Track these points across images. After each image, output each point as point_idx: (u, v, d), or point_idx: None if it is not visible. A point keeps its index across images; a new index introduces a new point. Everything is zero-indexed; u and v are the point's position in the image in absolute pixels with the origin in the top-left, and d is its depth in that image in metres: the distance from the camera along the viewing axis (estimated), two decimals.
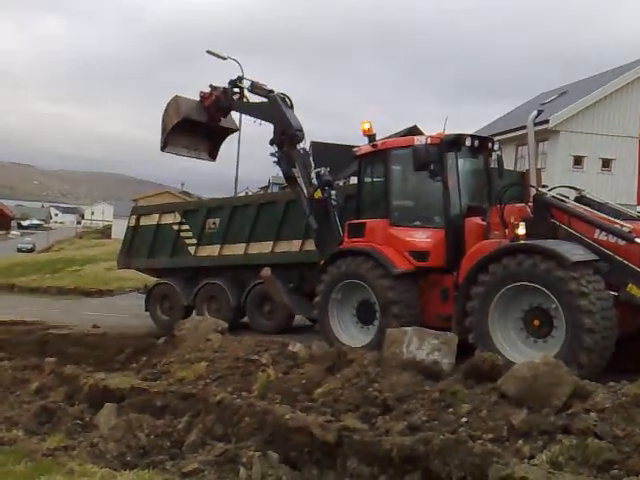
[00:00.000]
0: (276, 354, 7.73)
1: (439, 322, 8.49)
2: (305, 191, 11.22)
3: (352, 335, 9.42)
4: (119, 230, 40.98)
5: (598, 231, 7.82)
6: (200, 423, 6.08)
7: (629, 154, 28.85)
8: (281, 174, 12.18)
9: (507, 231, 8.29)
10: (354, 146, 10.65)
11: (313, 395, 6.48)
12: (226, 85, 12.45)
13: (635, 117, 26.00)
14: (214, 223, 13.85)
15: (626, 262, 7.54)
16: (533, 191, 8.54)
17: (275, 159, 11.71)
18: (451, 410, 5.46)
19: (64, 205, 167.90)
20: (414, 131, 31.69)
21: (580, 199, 8.52)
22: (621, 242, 7.63)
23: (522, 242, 7.83)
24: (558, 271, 7.28)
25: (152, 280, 15.54)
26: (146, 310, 14.91)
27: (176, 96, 12.71)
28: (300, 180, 11.36)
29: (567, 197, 8.52)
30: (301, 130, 11.60)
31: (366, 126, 10.05)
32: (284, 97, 11.91)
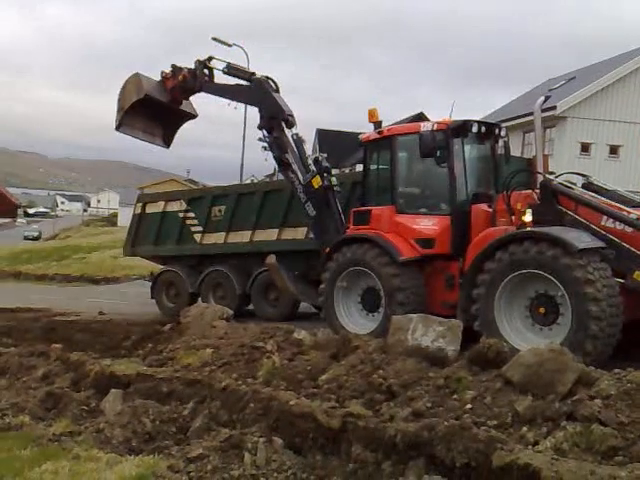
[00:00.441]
0: (281, 341, 7.73)
1: (444, 309, 8.48)
2: (300, 177, 11.13)
3: (357, 322, 9.43)
4: (125, 218, 41.06)
5: (605, 218, 7.77)
6: (205, 409, 6.10)
7: (637, 140, 28.70)
8: (272, 160, 11.99)
9: (514, 218, 8.25)
10: (360, 133, 10.59)
11: (318, 382, 6.49)
12: (191, 66, 12.19)
13: None
14: (219, 210, 13.86)
15: (633, 249, 7.50)
16: (540, 178, 8.49)
17: (264, 144, 11.58)
18: (455, 397, 5.46)
19: (70, 193, 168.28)
20: (420, 118, 31.57)
21: (587, 186, 8.46)
22: (628, 229, 7.58)
23: (529, 229, 7.80)
24: (564, 258, 7.24)
25: (158, 267, 15.60)
26: (152, 297, 14.98)
27: (136, 73, 12.38)
28: (294, 166, 11.26)
29: (574, 184, 8.47)
30: (292, 115, 11.45)
31: (372, 113, 9.99)
32: (269, 80, 11.73)
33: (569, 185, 8.35)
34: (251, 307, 13.53)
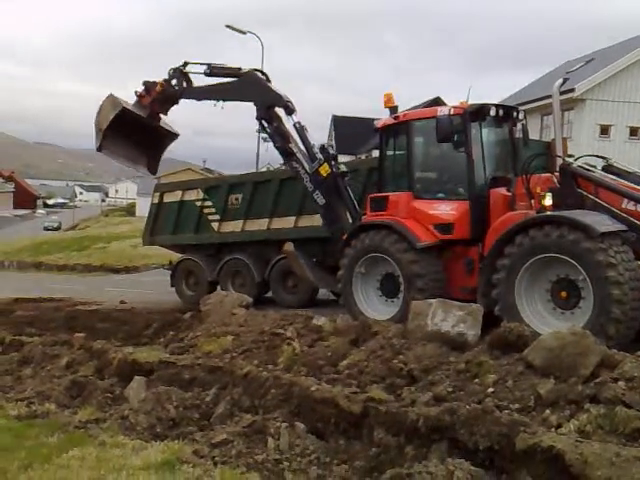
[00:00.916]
0: (301, 327, 7.76)
1: (464, 295, 8.45)
2: (306, 166, 11.02)
3: (376, 308, 9.42)
4: (143, 207, 41.30)
5: (626, 201, 7.70)
6: (228, 395, 6.15)
7: None
8: (273, 151, 11.76)
9: (533, 202, 8.18)
10: (377, 119, 10.53)
11: (338, 367, 6.52)
12: (165, 78, 11.81)
13: None
14: (236, 199, 13.89)
15: None
16: (559, 161, 8.41)
17: (265, 135, 11.39)
18: (477, 381, 5.45)
19: (88, 183, 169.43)
20: (437, 102, 31.34)
21: (607, 168, 8.37)
22: None
23: (549, 213, 7.74)
24: (585, 242, 7.18)
25: (177, 256, 15.70)
26: (172, 286, 15.09)
27: (111, 94, 11.98)
28: (299, 155, 11.14)
29: (594, 166, 8.38)
30: (290, 101, 11.23)
31: (388, 97, 9.92)
32: (258, 72, 11.53)
33: (589, 168, 8.26)
34: (270, 294, 13.59)
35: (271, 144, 11.75)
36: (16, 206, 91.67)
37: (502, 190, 8.93)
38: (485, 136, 9.39)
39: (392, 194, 9.62)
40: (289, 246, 11.75)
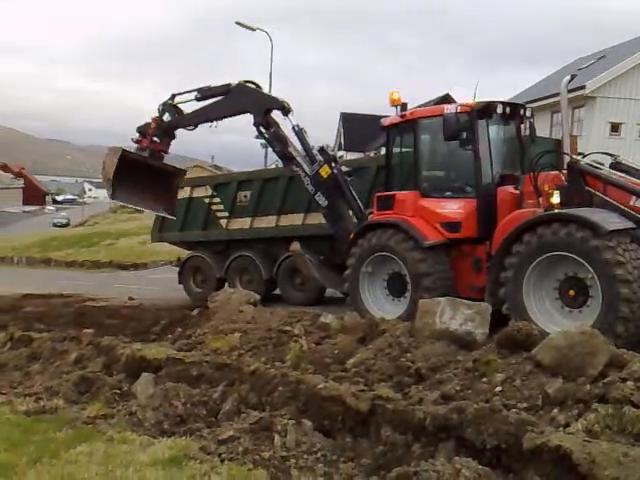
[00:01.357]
0: (308, 325, 7.78)
1: (471, 293, 8.43)
2: (306, 169, 11.02)
3: (383, 308, 9.40)
4: None
5: (634, 198, 7.65)
6: (235, 392, 6.17)
7: None
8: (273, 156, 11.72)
9: (541, 200, 8.15)
10: (385, 116, 10.51)
11: (346, 365, 6.52)
12: (156, 115, 11.87)
13: None
14: (245, 196, 13.90)
15: None
16: (567, 158, 8.37)
17: (263, 141, 11.39)
18: (485, 379, 5.45)
19: (97, 180, 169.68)
20: (447, 99, 31.26)
21: (616, 165, 8.32)
22: None
23: (557, 211, 7.71)
24: (594, 240, 7.15)
25: (185, 253, 15.73)
26: (180, 283, 15.12)
27: (111, 147, 12.04)
28: (298, 159, 11.14)
29: (602, 164, 8.33)
30: (286, 102, 11.23)
31: (395, 96, 9.87)
32: (249, 83, 11.53)
33: (597, 165, 8.21)
34: (278, 292, 13.60)
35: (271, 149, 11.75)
36: (25, 202, 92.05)
37: (510, 188, 8.90)
38: (492, 134, 9.35)
39: (399, 193, 9.60)
40: (295, 245, 11.75)
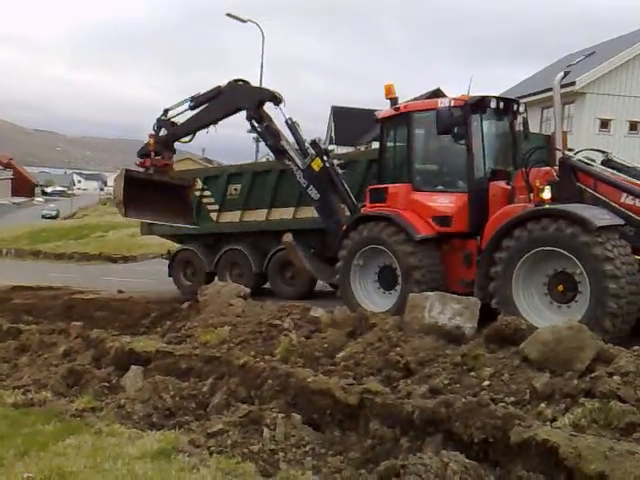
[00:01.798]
0: (298, 319, 7.78)
1: (462, 287, 8.46)
2: (299, 163, 11.05)
3: (374, 300, 9.43)
4: None
5: (625, 195, 7.69)
6: (224, 385, 6.17)
7: None
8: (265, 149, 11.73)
9: (532, 195, 8.17)
10: (377, 110, 10.50)
11: (335, 359, 6.54)
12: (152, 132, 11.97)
13: None
14: (235, 189, 13.86)
15: None
16: (559, 154, 8.40)
17: (255, 135, 11.45)
18: (473, 374, 5.47)
19: (87, 172, 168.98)
20: (438, 94, 31.28)
21: (606, 162, 8.36)
22: None
23: (547, 206, 7.74)
24: (583, 236, 7.19)
25: (175, 246, 15.68)
26: (169, 276, 15.08)
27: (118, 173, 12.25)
28: (291, 153, 11.17)
29: (593, 160, 8.37)
30: (277, 92, 11.26)
31: (388, 89, 9.89)
32: (239, 81, 11.57)
33: (588, 162, 8.25)
34: (268, 285, 13.59)
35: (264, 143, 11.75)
36: (14, 193, 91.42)
37: (501, 183, 8.92)
38: (485, 129, 9.37)
39: (391, 186, 9.60)
40: (288, 237, 11.75)
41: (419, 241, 8.89)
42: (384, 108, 10.08)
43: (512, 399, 4.94)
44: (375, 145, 12.92)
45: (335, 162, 11.08)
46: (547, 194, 7.85)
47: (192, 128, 12.10)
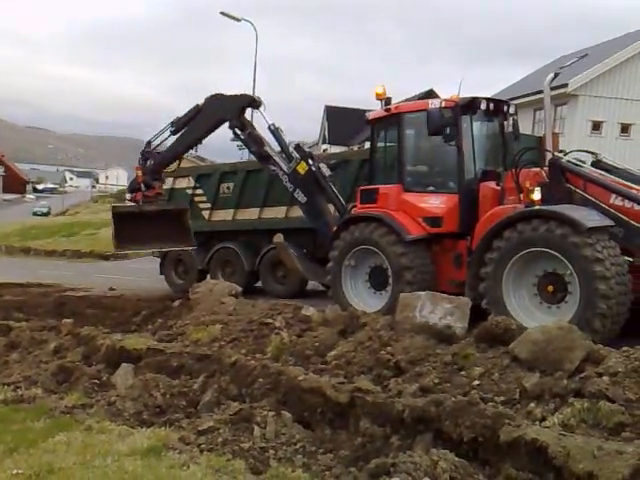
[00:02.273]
0: (289, 317, 7.79)
1: (452, 288, 8.49)
2: (284, 167, 11.09)
3: (365, 301, 9.44)
4: None
5: (614, 196, 7.74)
6: (215, 383, 6.17)
7: None
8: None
9: (522, 196, 8.21)
10: (369, 110, 10.52)
11: (326, 358, 6.55)
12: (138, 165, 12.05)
13: None
14: (228, 188, 13.87)
15: None
16: (549, 155, 8.44)
17: (239, 143, 11.53)
18: (463, 373, 5.50)
19: (79, 169, 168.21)
20: (431, 94, 31.35)
21: (596, 164, 8.41)
22: (637, 207, 7.56)
23: (537, 207, 7.78)
24: (573, 237, 7.23)
25: None
26: (161, 274, 15.07)
27: None
28: (275, 158, 11.22)
29: (583, 162, 8.42)
30: (256, 96, 11.40)
31: (380, 90, 9.89)
32: (215, 95, 11.63)
33: (578, 163, 8.30)
34: (260, 284, 13.60)
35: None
36: (5, 190, 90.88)
37: (492, 184, 8.96)
38: (476, 130, 9.41)
39: (382, 186, 9.63)
40: (279, 237, 11.77)
41: (410, 242, 8.92)
42: (377, 108, 10.10)
43: (502, 398, 4.96)
44: (368, 145, 12.94)
45: (322, 165, 11.12)
46: (537, 195, 7.89)
47: (179, 152, 12.18)
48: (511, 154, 9.35)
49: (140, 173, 11.93)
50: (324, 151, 41.35)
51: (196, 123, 11.63)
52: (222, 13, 28.63)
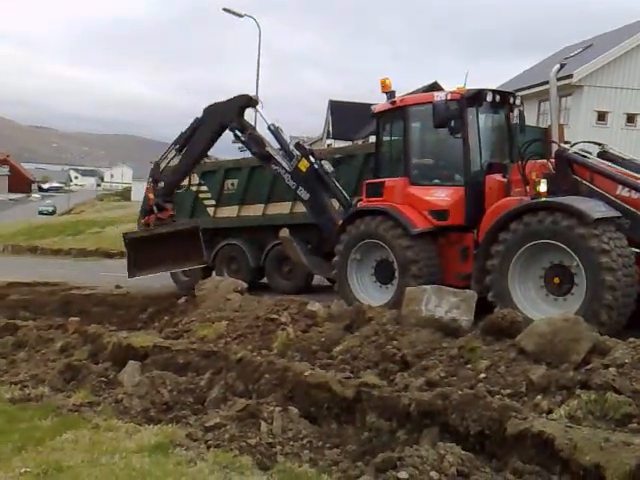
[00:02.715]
0: (295, 313, 7.78)
1: (458, 281, 8.47)
2: (286, 166, 11.10)
3: (371, 294, 9.42)
4: (139, 192, 41.11)
5: (621, 187, 7.69)
6: (221, 380, 6.18)
7: None
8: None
9: (528, 188, 8.18)
10: (374, 104, 10.49)
11: (332, 353, 6.55)
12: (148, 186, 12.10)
13: None
14: (232, 184, 13.84)
15: None
16: (555, 147, 8.39)
17: (240, 145, 11.58)
18: (469, 366, 5.49)
19: (84, 168, 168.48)
20: (435, 87, 31.23)
21: (603, 154, 8.35)
22: None
23: (543, 199, 7.74)
24: (579, 228, 7.19)
25: None
26: None
27: None
28: (277, 157, 11.23)
29: (590, 153, 8.37)
30: (252, 95, 11.42)
31: (384, 83, 9.87)
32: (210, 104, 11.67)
33: (584, 154, 8.24)
34: (265, 280, 13.59)
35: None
36: (11, 190, 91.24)
37: (498, 176, 8.92)
38: (482, 122, 9.35)
39: (388, 180, 9.60)
40: (285, 232, 11.75)
41: (416, 235, 8.89)
42: (381, 102, 10.07)
43: (508, 391, 4.95)
44: (372, 139, 12.91)
45: (324, 161, 11.13)
46: (543, 187, 7.85)
47: (189, 167, 12.18)
48: (517, 146, 9.30)
49: (151, 196, 11.97)
50: (328, 146, 41.29)
51: (200, 134, 11.68)
52: (225, 9, 28.58)
